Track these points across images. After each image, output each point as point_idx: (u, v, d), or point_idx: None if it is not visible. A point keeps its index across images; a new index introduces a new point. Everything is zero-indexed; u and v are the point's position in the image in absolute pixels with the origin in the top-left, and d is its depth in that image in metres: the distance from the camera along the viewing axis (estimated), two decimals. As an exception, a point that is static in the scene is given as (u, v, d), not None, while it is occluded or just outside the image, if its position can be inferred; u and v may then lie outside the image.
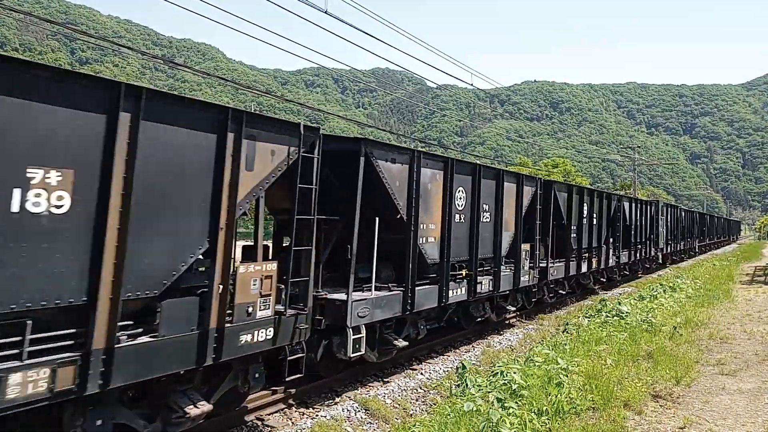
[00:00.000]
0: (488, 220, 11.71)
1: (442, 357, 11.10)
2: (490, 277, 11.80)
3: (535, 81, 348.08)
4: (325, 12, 12.29)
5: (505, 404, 6.92)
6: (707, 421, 7.14)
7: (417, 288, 9.34)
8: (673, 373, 8.87)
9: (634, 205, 24.18)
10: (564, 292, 17.39)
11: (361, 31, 13.75)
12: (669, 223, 32.43)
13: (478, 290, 11.24)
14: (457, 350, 11.68)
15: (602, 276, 21.04)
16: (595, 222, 18.61)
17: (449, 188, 10.16)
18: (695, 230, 44.48)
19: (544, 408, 6.93)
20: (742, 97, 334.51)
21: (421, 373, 9.77)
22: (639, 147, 66.79)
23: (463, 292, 10.81)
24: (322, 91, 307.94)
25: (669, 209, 33.07)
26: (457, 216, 10.56)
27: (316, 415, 7.45)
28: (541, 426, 6.52)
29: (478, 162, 10.53)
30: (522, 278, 13.10)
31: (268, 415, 7.49)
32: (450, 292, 10.33)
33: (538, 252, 14.07)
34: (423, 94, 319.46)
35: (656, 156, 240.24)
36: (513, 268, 12.92)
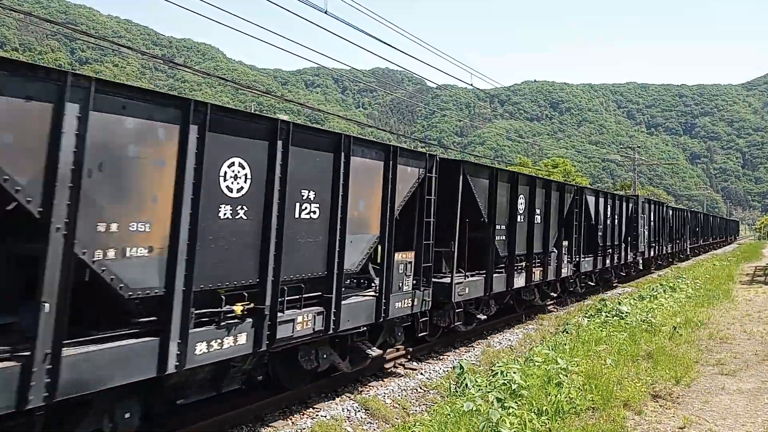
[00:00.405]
0: (314, 215, 7.17)
1: (442, 357, 11.10)
2: (319, 310, 7.23)
3: (535, 81, 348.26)
4: (325, 12, 12.31)
5: (505, 404, 6.93)
6: (707, 421, 7.15)
7: (75, 353, 4.65)
8: (673, 373, 8.88)
9: (603, 200, 19.70)
10: (484, 317, 12.38)
11: (361, 31, 13.77)
12: (653, 223, 28.24)
13: (282, 335, 6.62)
14: (457, 350, 11.68)
15: (554, 290, 16.54)
16: (538, 220, 14.26)
17: (197, 158, 5.50)
18: (686, 231, 39.73)
19: (544, 408, 6.93)
20: (742, 97, 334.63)
21: (421, 373, 9.77)
22: (639, 147, 66.85)
23: (243, 341, 6.18)
24: (322, 91, 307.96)
25: (653, 206, 28.50)
26: (225, 208, 5.93)
27: (316, 415, 7.45)
28: (541, 426, 6.53)
29: (279, 117, 6.54)
30: (396, 304, 8.70)
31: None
32: (195, 347, 5.62)
33: (431, 263, 9.63)
34: (423, 94, 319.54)
35: (656, 156, 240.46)
36: (379, 291, 8.39)
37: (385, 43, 15.49)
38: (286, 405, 7.77)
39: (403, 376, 9.69)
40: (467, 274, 11.32)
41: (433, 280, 9.92)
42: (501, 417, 6.33)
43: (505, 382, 7.81)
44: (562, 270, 16.00)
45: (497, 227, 12.23)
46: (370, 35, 14.47)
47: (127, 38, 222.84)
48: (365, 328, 8.38)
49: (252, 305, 6.25)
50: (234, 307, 6.03)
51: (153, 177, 5.24)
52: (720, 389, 8.50)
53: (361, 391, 8.60)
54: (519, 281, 13.32)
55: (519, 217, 13.22)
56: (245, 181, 6.14)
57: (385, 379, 9.34)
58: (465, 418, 6.60)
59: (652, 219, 27.78)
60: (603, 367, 8.78)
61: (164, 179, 5.33)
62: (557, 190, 15.63)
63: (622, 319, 13.40)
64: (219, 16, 12.14)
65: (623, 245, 22.41)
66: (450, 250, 10.66)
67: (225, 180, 5.93)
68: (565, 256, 16.22)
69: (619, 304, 15.19)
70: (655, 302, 16.40)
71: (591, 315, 14.29)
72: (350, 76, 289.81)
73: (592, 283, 20.32)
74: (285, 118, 6.62)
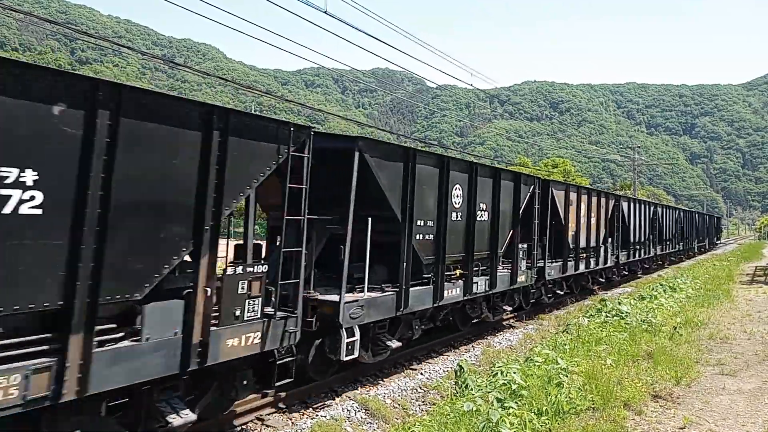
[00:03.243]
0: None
1: (442, 357, 11.10)
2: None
3: (535, 81, 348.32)
4: (325, 12, 12.30)
5: (505, 404, 6.92)
6: (707, 421, 7.14)
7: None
8: (673, 373, 8.87)
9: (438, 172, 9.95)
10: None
11: (361, 31, 13.76)
12: (581, 219, 17.19)
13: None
14: (457, 350, 11.68)
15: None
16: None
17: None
18: (636, 235, 24.70)
19: (544, 408, 6.93)
20: (742, 97, 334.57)
21: (421, 373, 9.77)
22: (639, 147, 66.89)
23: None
24: (323, 91, 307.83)
25: (571, 193, 16.63)
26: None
27: (316, 415, 7.45)
28: (541, 426, 6.52)
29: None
30: None
31: (267, 415, 7.49)
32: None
33: None
34: (423, 94, 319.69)
35: (656, 156, 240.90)
36: None
37: (385, 43, 15.48)
38: (286, 405, 7.77)
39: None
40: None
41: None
42: (501, 417, 6.32)
43: (505, 382, 7.81)
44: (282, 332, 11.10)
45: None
46: (370, 35, 14.46)
47: (127, 38, 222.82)
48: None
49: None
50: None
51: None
52: (720, 389, 8.49)
53: (361, 391, 8.59)
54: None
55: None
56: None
57: (385, 379, 9.34)
58: (465, 418, 6.59)
59: (574, 216, 16.57)
60: (603, 367, 8.77)
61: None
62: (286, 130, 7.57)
63: (623, 319, 13.39)
64: (219, 16, 12.13)
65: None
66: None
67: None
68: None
69: (620, 304, 15.18)
70: (655, 302, 16.39)
71: (591, 315, 14.29)
72: (350, 76, 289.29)
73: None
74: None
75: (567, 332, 12.46)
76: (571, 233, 16.56)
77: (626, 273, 25.46)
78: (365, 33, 14.23)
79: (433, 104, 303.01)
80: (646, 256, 27.38)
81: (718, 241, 67.89)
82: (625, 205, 22.98)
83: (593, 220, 18.51)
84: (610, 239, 20.69)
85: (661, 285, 20.42)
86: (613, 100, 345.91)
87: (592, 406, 7.28)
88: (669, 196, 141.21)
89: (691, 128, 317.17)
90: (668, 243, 33.18)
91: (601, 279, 21.42)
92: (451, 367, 10.03)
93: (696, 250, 46.19)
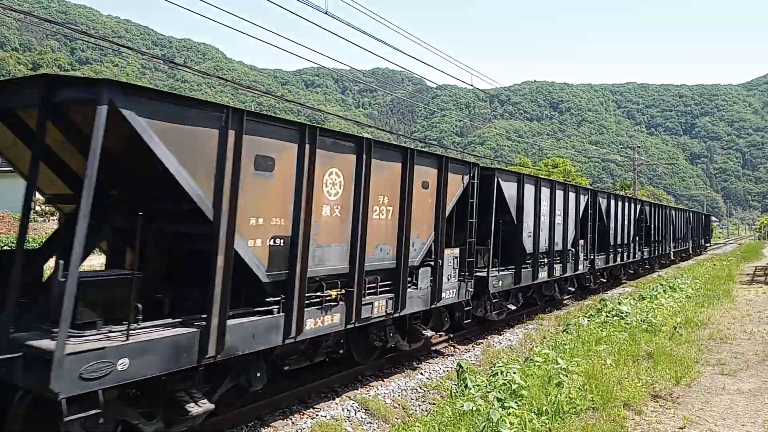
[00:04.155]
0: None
1: (442, 357, 11.10)
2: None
3: (535, 81, 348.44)
4: (326, 12, 12.31)
5: (505, 404, 6.92)
6: (707, 421, 7.14)
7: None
8: (673, 373, 8.87)
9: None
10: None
11: (361, 31, 13.76)
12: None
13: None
14: (457, 350, 11.68)
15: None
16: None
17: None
18: (545, 241, 14.61)
19: (544, 408, 6.93)
20: (742, 97, 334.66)
21: (421, 373, 9.77)
22: (639, 147, 66.89)
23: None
24: (323, 91, 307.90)
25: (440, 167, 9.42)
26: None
27: (316, 415, 7.45)
28: (541, 426, 6.52)
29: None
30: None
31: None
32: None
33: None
34: (423, 94, 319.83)
35: (656, 156, 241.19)
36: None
37: (385, 43, 15.49)
38: (286, 405, 7.77)
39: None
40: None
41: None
42: (501, 417, 6.32)
43: (505, 382, 7.81)
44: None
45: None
46: (370, 35, 14.46)
47: (127, 38, 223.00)
48: None
49: None
50: None
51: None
52: (720, 389, 8.50)
53: (361, 391, 8.59)
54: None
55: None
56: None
57: (385, 379, 9.34)
58: (465, 418, 6.60)
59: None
60: (603, 367, 8.77)
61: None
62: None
63: (622, 319, 13.40)
64: (219, 16, 12.14)
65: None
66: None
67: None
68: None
69: (620, 304, 15.18)
70: (655, 302, 16.39)
71: (591, 315, 14.29)
72: (350, 76, 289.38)
73: None
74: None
75: (567, 332, 12.47)
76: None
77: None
78: (365, 33, 14.24)
79: (433, 104, 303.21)
80: (561, 276, 15.99)
81: (708, 245, 53.19)
82: (510, 186, 13.07)
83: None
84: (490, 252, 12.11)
85: (660, 285, 20.42)
86: (613, 100, 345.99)
87: (592, 406, 7.28)
88: (669, 196, 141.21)
89: (691, 128, 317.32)
90: (621, 251, 22.16)
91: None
92: (451, 368, 10.04)
93: (672, 257, 34.35)
